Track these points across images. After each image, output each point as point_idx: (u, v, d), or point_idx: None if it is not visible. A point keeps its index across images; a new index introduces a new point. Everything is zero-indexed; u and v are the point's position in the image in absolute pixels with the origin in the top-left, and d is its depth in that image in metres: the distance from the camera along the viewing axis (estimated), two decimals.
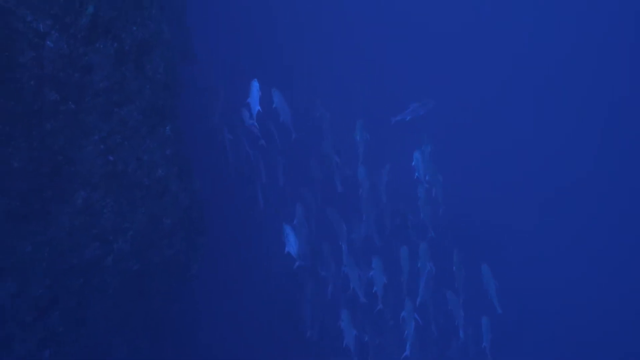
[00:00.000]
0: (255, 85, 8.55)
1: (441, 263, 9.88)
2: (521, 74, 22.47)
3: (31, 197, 4.87)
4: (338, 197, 10.71)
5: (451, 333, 10.59)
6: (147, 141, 5.93)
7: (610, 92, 23.47)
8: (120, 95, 5.32)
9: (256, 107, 8.54)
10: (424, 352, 10.97)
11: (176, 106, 6.31)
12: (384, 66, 18.40)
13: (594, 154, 21.10)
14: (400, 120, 9.94)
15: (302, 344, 10.79)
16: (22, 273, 5.10)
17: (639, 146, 21.73)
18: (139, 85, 5.53)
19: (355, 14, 19.33)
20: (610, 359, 14.69)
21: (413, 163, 9.36)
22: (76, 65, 4.73)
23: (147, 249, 6.72)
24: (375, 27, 19.84)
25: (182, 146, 6.65)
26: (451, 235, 12.76)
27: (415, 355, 9.19)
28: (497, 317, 9.43)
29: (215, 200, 9.46)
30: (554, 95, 22.78)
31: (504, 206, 16.66)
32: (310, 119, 13.51)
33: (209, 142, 9.56)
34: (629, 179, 20.21)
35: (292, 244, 8.56)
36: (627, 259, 17.53)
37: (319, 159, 10.94)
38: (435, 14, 21.80)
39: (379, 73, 17.97)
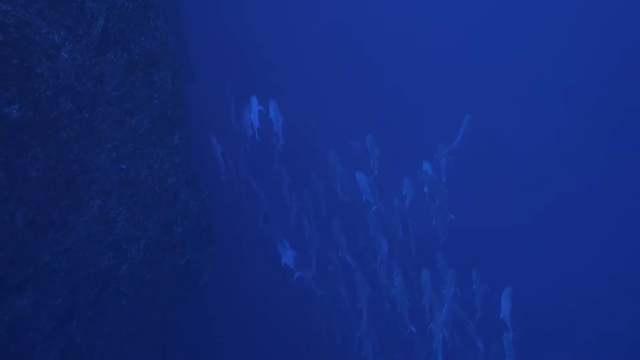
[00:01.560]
0: (254, 101, 8.74)
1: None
2: (524, 80, 22.71)
3: (49, 206, 4.97)
4: (343, 209, 10.69)
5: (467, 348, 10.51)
6: (157, 149, 6.05)
7: (614, 102, 23.70)
8: (130, 104, 5.46)
9: (256, 124, 8.74)
10: None
11: (184, 115, 6.46)
12: (388, 78, 18.71)
13: (601, 162, 21.19)
14: (455, 147, 10.17)
15: (317, 354, 10.79)
16: (41, 282, 5.18)
17: None
18: (148, 94, 5.67)
19: (355, 28, 19.71)
20: None
21: (423, 175, 9.38)
22: (89, 75, 4.88)
23: (159, 257, 6.81)
24: (377, 40, 20.20)
25: (190, 155, 6.78)
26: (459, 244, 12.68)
27: None
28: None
29: (224, 208, 9.54)
30: (562, 102, 23.00)
31: (512, 215, 16.78)
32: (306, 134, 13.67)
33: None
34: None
35: (289, 257, 8.75)
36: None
37: (320, 171, 10.98)
38: (437, 21, 22.14)
39: (381, 84, 18.27)
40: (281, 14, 19.06)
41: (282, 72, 17.04)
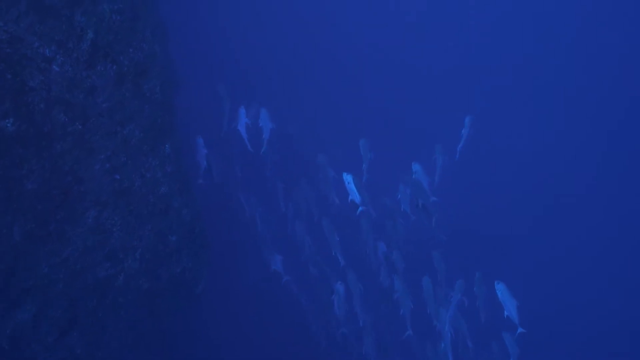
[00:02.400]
0: (242, 112, 8.89)
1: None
2: (524, 84, 22.83)
3: (46, 218, 5.04)
4: (336, 212, 10.73)
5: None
6: (149, 159, 6.14)
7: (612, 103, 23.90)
8: (121, 114, 5.56)
9: (244, 135, 8.91)
10: None
11: (174, 124, 6.56)
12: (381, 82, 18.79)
13: (600, 165, 21.34)
14: (462, 148, 10.35)
15: (314, 357, 10.85)
16: (41, 294, 5.23)
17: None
18: (139, 104, 5.77)
19: (347, 31, 19.78)
20: None
21: (413, 175, 9.47)
22: (80, 88, 4.97)
23: (155, 266, 6.87)
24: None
25: (181, 163, 6.87)
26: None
27: None
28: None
29: (216, 214, 9.60)
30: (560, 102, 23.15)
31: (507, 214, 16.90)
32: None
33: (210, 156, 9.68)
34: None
35: (277, 262, 9.47)
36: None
37: (309, 178, 11.09)
38: (435, 22, 22.23)
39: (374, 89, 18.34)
40: (270, 18, 19.14)
41: (272, 77, 17.11)
